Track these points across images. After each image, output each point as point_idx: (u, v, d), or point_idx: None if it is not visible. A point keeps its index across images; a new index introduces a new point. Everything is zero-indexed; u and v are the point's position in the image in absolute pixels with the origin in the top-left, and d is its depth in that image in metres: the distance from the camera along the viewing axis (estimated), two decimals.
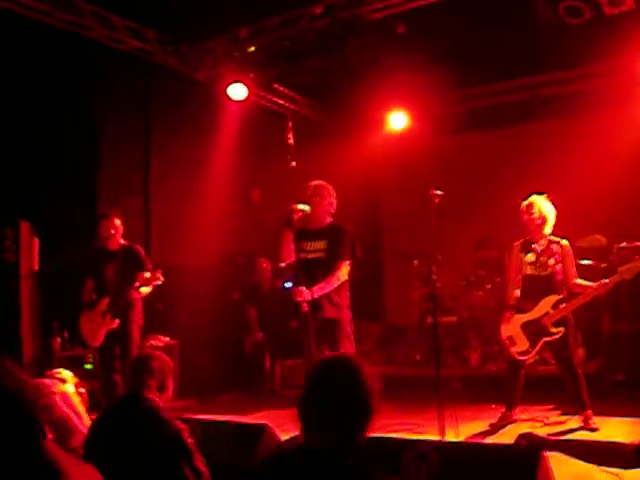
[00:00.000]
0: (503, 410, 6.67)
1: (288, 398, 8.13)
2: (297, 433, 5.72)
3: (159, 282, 6.80)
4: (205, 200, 9.50)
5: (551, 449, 3.44)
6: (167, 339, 8.57)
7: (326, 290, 6.04)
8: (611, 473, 4.20)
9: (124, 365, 6.68)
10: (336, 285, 6.12)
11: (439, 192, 6.00)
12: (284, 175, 9.21)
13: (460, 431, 5.83)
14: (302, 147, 10.12)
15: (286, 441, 5.18)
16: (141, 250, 7.13)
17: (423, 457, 3.54)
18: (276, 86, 9.86)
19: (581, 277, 6.58)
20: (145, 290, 6.88)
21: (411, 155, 10.96)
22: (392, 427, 6.59)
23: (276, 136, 10.18)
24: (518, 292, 6.67)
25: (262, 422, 4.79)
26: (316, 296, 5.95)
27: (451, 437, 5.57)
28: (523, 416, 6.84)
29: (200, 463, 3.39)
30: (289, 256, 6.24)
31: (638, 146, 9.02)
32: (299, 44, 8.68)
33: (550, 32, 7.98)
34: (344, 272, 6.18)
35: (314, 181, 6.45)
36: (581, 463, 3.58)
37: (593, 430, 6.22)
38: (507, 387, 6.77)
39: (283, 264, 6.70)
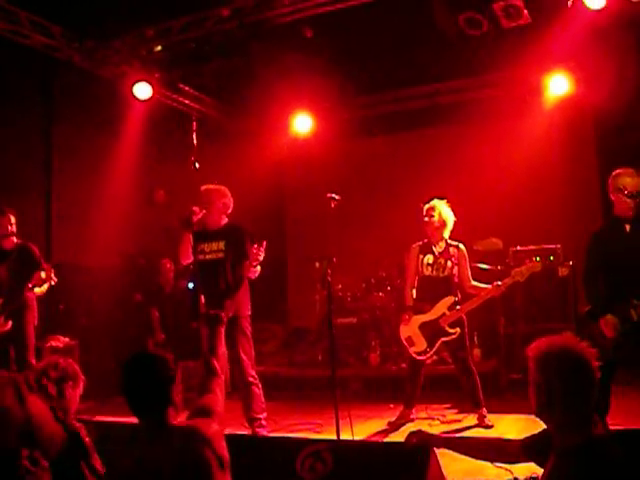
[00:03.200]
0: (401, 409, 6.82)
1: (187, 400, 8.08)
2: None
3: (52, 282, 6.66)
4: (109, 199, 9.37)
5: (442, 446, 3.53)
6: (67, 339, 8.39)
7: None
8: (502, 468, 4.36)
9: (19, 367, 6.53)
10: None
11: (335, 196, 6.08)
12: (188, 176, 9.21)
13: (358, 430, 5.92)
14: (207, 148, 10.17)
15: None
16: (35, 249, 6.94)
17: (316, 456, 3.61)
18: (181, 86, 9.79)
19: (478, 280, 6.80)
20: (39, 290, 6.71)
21: (315, 158, 11.04)
22: (293, 427, 6.68)
23: (181, 136, 10.17)
24: (414, 293, 6.84)
25: None
26: None
27: (346, 436, 5.65)
28: (421, 414, 7.01)
29: (97, 462, 3.39)
30: (187, 257, 6.25)
31: (532, 153, 9.36)
32: (205, 45, 8.66)
33: (450, 42, 8.17)
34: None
35: (204, 185, 6.46)
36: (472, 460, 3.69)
37: (488, 427, 6.43)
38: (406, 386, 6.91)
39: (184, 265, 6.70)
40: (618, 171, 5.46)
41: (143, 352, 3.19)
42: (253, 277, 6.20)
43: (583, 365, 2.70)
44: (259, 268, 6.14)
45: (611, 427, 4.25)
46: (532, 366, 2.78)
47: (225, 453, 3.02)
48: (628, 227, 5.40)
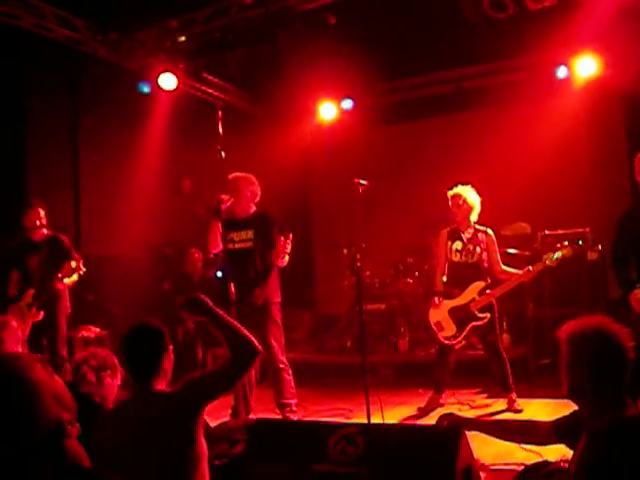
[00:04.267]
0: (431, 394, 6.83)
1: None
2: (227, 419, 5.79)
3: (81, 272, 6.73)
4: (135, 190, 9.44)
5: (472, 428, 3.54)
6: (98, 330, 8.49)
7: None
8: (532, 451, 4.36)
9: (51, 357, 6.62)
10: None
11: (363, 181, 6.07)
12: (214, 165, 9.23)
13: (388, 416, 5.95)
14: (232, 137, 10.15)
15: (216, 427, 5.25)
16: (66, 240, 7.03)
17: (348, 439, 3.63)
18: (206, 76, 9.82)
19: (506, 264, 6.78)
20: (69, 280, 6.79)
21: (341, 145, 11.04)
22: (323, 413, 6.72)
23: (206, 126, 10.18)
24: (445, 279, 6.84)
25: None
26: None
27: (377, 421, 5.66)
28: (450, 400, 7.01)
29: None
30: (216, 246, 6.28)
31: (559, 137, 9.28)
32: (229, 34, 8.68)
33: (475, 25, 8.14)
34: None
35: (232, 174, 6.49)
36: (502, 442, 3.70)
37: (517, 412, 6.43)
38: (435, 371, 6.93)
39: (212, 255, 6.74)
40: None
41: (142, 323, 3.44)
42: (282, 266, 6.22)
43: (616, 346, 2.69)
44: (287, 257, 6.17)
45: None
46: (564, 347, 2.77)
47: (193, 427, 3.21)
48: None
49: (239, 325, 3.50)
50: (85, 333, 8.20)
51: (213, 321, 3.56)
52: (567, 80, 9.34)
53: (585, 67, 9.11)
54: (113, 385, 4.09)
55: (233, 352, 3.40)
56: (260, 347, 3.43)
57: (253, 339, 3.42)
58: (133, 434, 3.14)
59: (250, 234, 6.31)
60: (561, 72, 9.28)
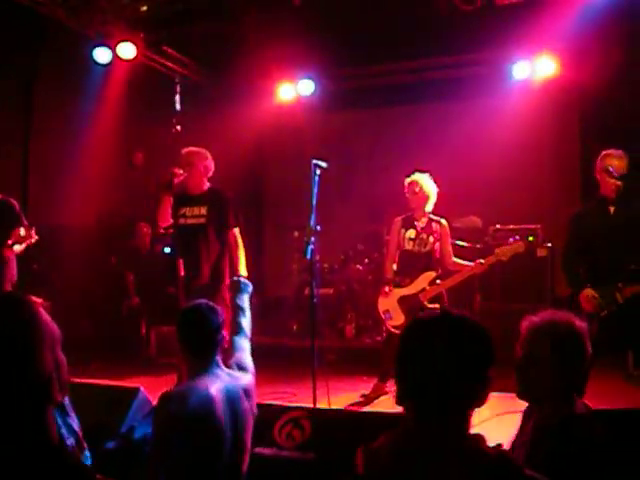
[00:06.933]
0: (376, 382, 6.80)
1: (163, 365, 8.06)
2: None
3: (33, 240, 6.55)
4: (87, 159, 9.24)
5: None
6: (40, 300, 8.29)
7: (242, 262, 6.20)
8: None
9: None
10: (242, 254, 6.23)
11: (322, 164, 6.00)
12: (168, 139, 9.10)
13: (333, 401, 5.92)
14: (188, 112, 10.05)
15: None
16: (16, 204, 6.83)
17: (295, 422, 3.60)
18: (166, 49, 9.65)
19: (456, 256, 6.79)
20: (18, 248, 6.61)
21: (298, 128, 10.96)
22: (268, 395, 6.66)
23: (162, 99, 10.04)
24: (395, 267, 6.82)
25: (135, 386, 4.74)
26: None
27: (323, 406, 5.64)
28: (395, 388, 7.01)
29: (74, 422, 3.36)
30: (166, 220, 6.20)
31: (514, 134, 9.35)
32: (192, 7, 8.53)
33: (441, 16, 8.13)
34: (239, 238, 6.27)
35: (186, 148, 6.40)
36: None
37: None
38: (381, 360, 6.87)
39: (162, 230, 6.64)
40: (606, 152, 5.45)
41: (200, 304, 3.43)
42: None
43: (577, 338, 2.72)
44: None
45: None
46: (525, 337, 2.77)
47: (255, 409, 3.34)
48: (612, 209, 5.42)
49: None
50: None
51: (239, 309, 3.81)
52: (525, 78, 9.38)
53: (544, 66, 9.16)
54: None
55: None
56: None
57: None
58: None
59: (203, 210, 6.21)
60: (520, 70, 9.31)
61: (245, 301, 3.94)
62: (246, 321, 3.84)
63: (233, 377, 3.32)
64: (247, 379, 3.39)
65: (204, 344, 3.31)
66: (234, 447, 3.15)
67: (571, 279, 5.46)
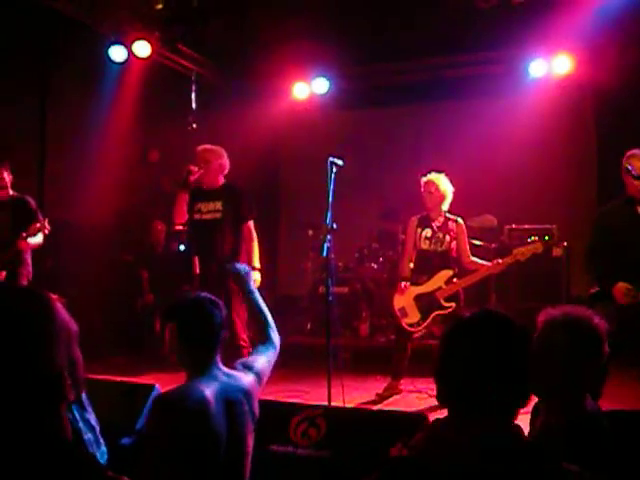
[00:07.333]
0: (389, 381, 6.80)
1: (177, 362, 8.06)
2: None
3: (46, 231, 6.58)
4: (102, 157, 9.27)
5: None
6: (56, 297, 8.31)
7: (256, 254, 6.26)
8: None
9: None
10: (256, 246, 6.28)
11: (339, 161, 5.98)
12: (184, 137, 9.11)
13: (347, 400, 5.91)
14: (204, 110, 10.05)
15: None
16: (32, 201, 6.88)
17: (310, 421, 3.59)
18: (181, 47, 9.66)
19: (472, 256, 6.77)
20: (34, 240, 6.62)
21: (313, 126, 10.97)
22: (281, 393, 6.65)
23: (177, 97, 10.05)
24: (412, 265, 6.80)
25: (150, 383, 4.75)
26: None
27: (338, 404, 5.64)
28: (409, 387, 7.00)
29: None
30: (182, 216, 6.23)
31: (531, 133, 9.33)
32: (207, 6, 8.55)
33: (457, 14, 8.11)
34: (253, 231, 6.31)
35: (201, 146, 6.42)
36: None
37: None
38: (394, 358, 6.86)
39: (179, 227, 6.66)
40: (631, 152, 5.41)
41: (201, 297, 3.19)
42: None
43: (594, 334, 2.67)
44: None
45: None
46: (541, 329, 2.73)
47: (256, 411, 3.19)
48: (639, 208, 5.38)
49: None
50: None
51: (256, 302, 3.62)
52: (542, 77, 9.33)
53: (560, 65, 9.12)
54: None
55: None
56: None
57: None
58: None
59: (219, 205, 6.23)
60: (536, 68, 9.26)
61: (261, 304, 3.65)
62: (274, 332, 3.61)
63: (232, 377, 3.14)
64: (248, 380, 3.21)
65: (206, 342, 3.12)
66: (232, 450, 3.01)
67: (599, 275, 5.41)
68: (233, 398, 3.05)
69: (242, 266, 3.79)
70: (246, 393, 3.13)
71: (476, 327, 2.08)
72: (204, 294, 3.20)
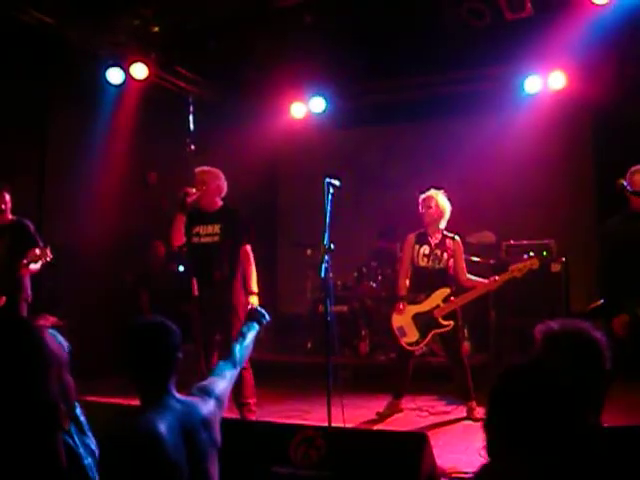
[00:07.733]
0: (390, 399, 6.79)
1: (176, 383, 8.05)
2: None
3: (48, 259, 6.58)
4: (101, 180, 9.27)
5: None
6: (55, 319, 8.32)
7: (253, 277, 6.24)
8: None
9: None
10: (254, 270, 6.26)
11: (336, 182, 5.99)
12: (181, 158, 9.13)
13: (347, 419, 5.89)
14: (202, 131, 10.07)
15: None
16: (31, 226, 6.88)
17: (310, 442, 3.58)
18: (178, 69, 9.70)
19: (469, 272, 6.78)
20: (34, 267, 6.63)
21: (310, 146, 11.02)
22: (282, 413, 6.66)
23: (175, 118, 10.08)
24: (408, 283, 6.81)
25: None
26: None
27: (338, 424, 5.62)
28: (410, 405, 6.99)
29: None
30: (179, 239, 6.22)
31: (528, 149, 9.36)
32: (204, 28, 8.58)
33: (452, 32, 8.15)
34: (251, 254, 6.30)
35: (199, 167, 6.44)
36: (463, 450, 3.68)
37: (477, 420, 6.41)
38: (395, 377, 6.88)
39: (176, 248, 6.67)
40: (634, 167, 5.43)
41: (151, 320, 3.00)
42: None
43: (594, 348, 2.65)
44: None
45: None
46: (539, 341, 2.71)
47: (217, 438, 3.00)
48: None
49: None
50: (42, 322, 8.03)
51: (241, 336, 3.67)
52: (537, 93, 9.37)
53: (555, 81, 9.15)
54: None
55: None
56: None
57: None
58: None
59: (217, 228, 6.23)
60: (531, 84, 9.29)
61: (252, 331, 3.67)
62: (242, 350, 3.55)
63: (188, 406, 2.95)
64: (207, 407, 3.03)
65: (156, 369, 2.91)
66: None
67: (609, 292, 5.39)
68: (190, 428, 2.87)
69: (263, 314, 3.89)
70: (204, 421, 2.96)
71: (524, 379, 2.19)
72: (158, 318, 3.01)
